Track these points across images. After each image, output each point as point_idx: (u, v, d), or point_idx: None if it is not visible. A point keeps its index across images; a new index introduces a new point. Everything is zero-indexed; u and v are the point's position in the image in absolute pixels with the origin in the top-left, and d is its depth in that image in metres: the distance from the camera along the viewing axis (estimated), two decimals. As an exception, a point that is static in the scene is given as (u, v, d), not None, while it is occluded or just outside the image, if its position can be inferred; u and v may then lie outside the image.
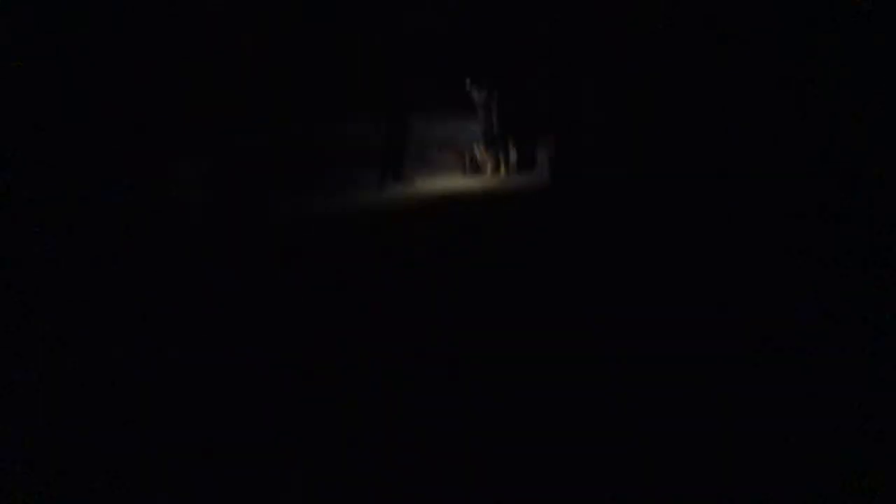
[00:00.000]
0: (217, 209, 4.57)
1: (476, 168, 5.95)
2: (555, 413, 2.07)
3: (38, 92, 3.82)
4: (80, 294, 3.26)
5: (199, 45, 4.50)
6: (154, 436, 1.96)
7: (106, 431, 2.00)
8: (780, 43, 3.44)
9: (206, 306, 3.11)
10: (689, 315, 2.74)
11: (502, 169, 5.83)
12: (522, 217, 4.09)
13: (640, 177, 3.82)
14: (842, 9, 3.25)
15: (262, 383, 2.35)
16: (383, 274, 3.40)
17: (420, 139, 5.84)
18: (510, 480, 1.69)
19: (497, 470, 1.74)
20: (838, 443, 1.88)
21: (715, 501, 1.60)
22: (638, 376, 2.31)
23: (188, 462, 1.79)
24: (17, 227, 3.49)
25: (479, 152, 5.85)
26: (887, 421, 1.95)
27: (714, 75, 3.64)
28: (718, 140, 3.63)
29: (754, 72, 3.52)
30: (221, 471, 1.75)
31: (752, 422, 1.96)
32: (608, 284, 3.05)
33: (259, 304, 3.12)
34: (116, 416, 2.12)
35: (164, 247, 3.91)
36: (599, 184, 4.00)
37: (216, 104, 4.78)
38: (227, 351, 2.62)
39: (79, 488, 1.69)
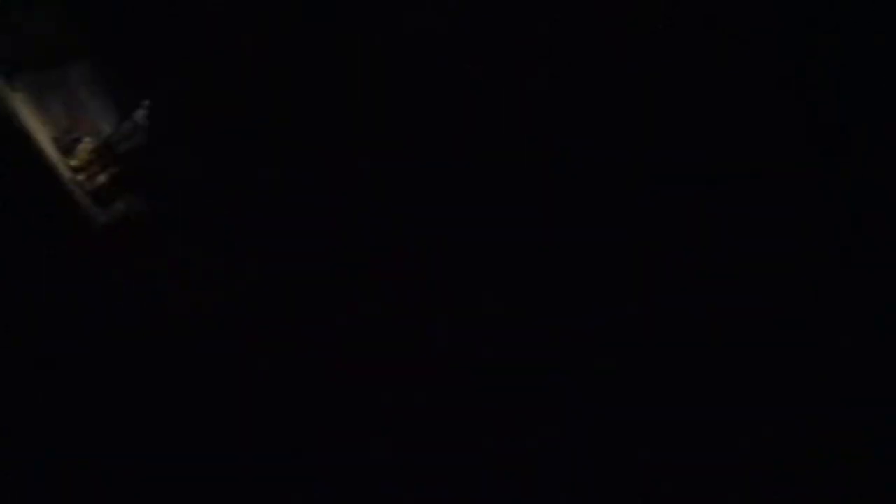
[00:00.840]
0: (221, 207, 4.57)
1: None
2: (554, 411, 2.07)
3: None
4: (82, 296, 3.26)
5: (199, 45, 4.51)
6: (155, 435, 1.96)
7: (106, 432, 2.00)
8: (780, 43, 3.44)
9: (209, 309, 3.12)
10: (689, 316, 2.74)
11: None
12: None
13: (640, 177, 3.82)
14: (842, 9, 3.24)
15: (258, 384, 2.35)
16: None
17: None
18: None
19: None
20: (839, 442, 1.88)
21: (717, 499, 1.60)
22: (637, 375, 2.31)
23: (188, 463, 1.79)
24: (14, 229, 3.49)
25: None
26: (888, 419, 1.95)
27: (714, 75, 3.64)
28: (718, 140, 3.62)
29: (754, 72, 3.52)
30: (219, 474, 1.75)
31: (753, 423, 1.96)
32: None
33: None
34: (116, 416, 2.12)
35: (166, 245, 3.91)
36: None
37: (216, 104, 4.79)
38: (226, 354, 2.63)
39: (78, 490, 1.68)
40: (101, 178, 4.48)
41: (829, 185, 3.18)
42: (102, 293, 3.13)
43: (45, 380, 2.49)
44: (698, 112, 3.69)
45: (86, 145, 4.58)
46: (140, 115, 4.66)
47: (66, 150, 4.52)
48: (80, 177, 4.47)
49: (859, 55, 3.21)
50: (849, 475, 1.94)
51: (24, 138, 3.80)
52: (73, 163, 4.50)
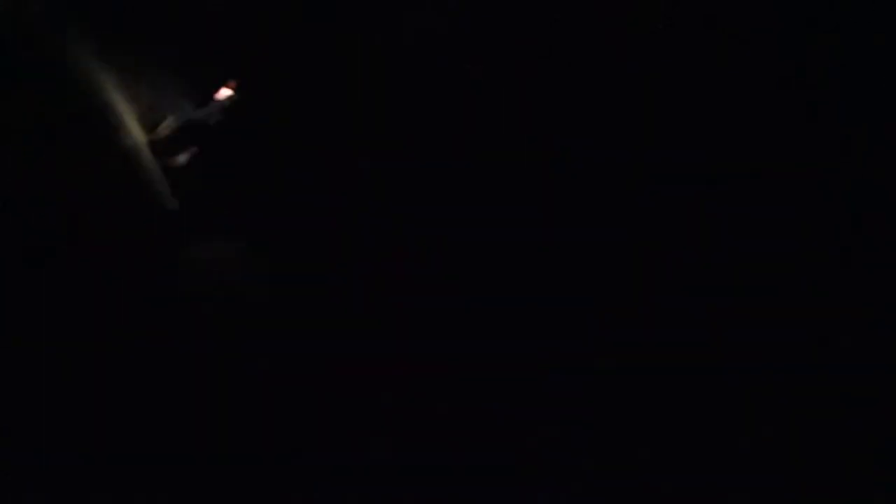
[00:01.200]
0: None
1: None
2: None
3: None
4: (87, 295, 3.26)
5: (199, 45, 4.50)
6: (157, 435, 1.96)
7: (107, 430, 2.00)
8: (780, 43, 3.44)
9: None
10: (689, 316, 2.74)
11: None
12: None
13: (640, 177, 3.82)
14: (842, 9, 3.24)
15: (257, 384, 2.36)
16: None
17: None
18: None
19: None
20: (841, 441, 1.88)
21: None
22: (637, 373, 2.31)
23: (188, 464, 1.79)
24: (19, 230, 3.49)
25: None
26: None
27: (714, 75, 3.64)
28: (718, 140, 3.62)
29: (754, 72, 3.52)
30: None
31: (756, 424, 1.96)
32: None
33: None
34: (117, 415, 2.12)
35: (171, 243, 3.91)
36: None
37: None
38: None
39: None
40: (181, 159, 4.47)
41: (829, 185, 3.18)
42: (105, 293, 3.13)
43: (44, 380, 2.49)
44: (698, 112, 3.68)
45: (168, 123, 4.57)
46: (223, 95, 4.63)
47: (150, 128, 4.54)
48: (161, 156, 4.48)
49: (859, 55, 3.21)
50: (849, 475, 1.94)
51: (113, 116, 3.88)
52: (156, 141, 4.53)
